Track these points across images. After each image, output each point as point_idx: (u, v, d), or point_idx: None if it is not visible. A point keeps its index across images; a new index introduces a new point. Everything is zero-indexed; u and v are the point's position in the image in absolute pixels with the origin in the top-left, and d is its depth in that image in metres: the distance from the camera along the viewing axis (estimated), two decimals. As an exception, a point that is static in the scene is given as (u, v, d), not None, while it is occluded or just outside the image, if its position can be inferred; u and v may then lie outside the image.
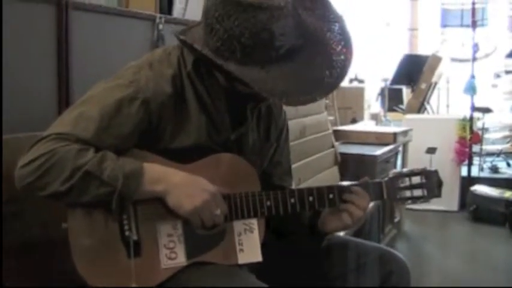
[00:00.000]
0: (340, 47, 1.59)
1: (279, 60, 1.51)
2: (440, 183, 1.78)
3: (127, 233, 1.56)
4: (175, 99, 1.62)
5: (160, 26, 2.81)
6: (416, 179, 1.76)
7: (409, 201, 1.79)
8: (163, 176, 1.55)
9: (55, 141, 1.49)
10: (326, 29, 1.61)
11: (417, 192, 1.76)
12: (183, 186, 1.56)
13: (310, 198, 1.69)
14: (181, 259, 1.59)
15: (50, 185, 1.47)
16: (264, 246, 1.66)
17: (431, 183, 1.77)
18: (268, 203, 1.66)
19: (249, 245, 1.64)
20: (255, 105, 1.76)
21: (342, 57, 1.58)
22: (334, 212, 1.74)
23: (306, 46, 1.55)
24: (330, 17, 1.63)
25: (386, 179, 1.76)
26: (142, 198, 1.55)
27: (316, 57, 1.56)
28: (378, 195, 1.76)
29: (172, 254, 1.59)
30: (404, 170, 1.79)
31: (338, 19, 1.63)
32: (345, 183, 1.76)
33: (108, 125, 1.54)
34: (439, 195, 1.78)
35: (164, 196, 1.55)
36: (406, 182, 1.76)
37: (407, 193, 1.76)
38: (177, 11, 3.09)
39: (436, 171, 1.79)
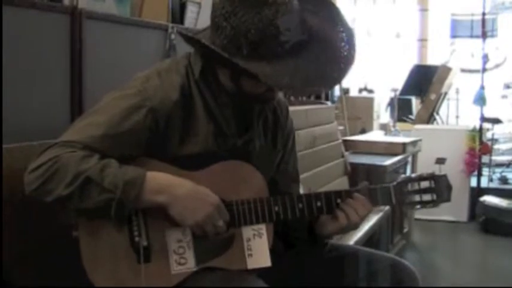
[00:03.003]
0: (343, 43, 1.62)
1: (284, 54, 1.54)
2: (449, 188, 1.76)
3: (137, 239, 1.57)
4: (183, 107, 1.64)
5: (173, 36, 2.84)
6: (425, 184, 1.75)
7: (418, 206, 1.78)
8: (165, 187, 1.55)
9: (61, 148, 1.52)
10: (330, 28, 1.64)
11: (426, 197, 1.75)
12: (185, 199, 1.56)
13: (318, 204, 1.70)
14: (190, 264, 1.60)
15: (54, 190, 1.49)
16: (274, 253, 1.67)
17: (441, 187, 1.75)
18: (277, 208, 1.67)
19: (258, 250, 1.65)
20: (261, 110, 1.78)
21: (345, 53, 1.61)
22: (333, 214, 1.74)
23: (310, 42, 1.58)
24: (333, 18, 1.66)
25: (394, 183, 1.75)
26: (144, 207, 1.56)
27: (321, 53, 1.59)
28: (386, 200, 1.75)
29: (181, 259, 1.60)
30: (413, 175, 1.79)
31: (340, 18, 1.67)
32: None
33: (115, 132, 1.56)
34: (448, 199, 1.76)
35: (166, 208, 1.56)
36: (415, 186, 1.75)
37: (416, 197, 1.75)
38: (189, 20, 3.11)
39: (445, 176, 1.77)
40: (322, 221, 1.78)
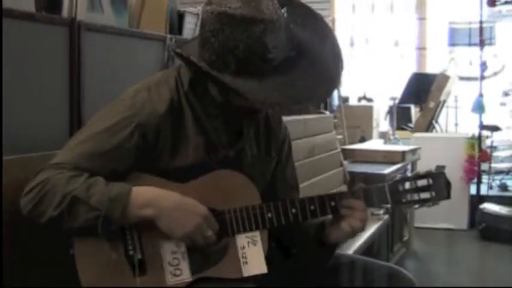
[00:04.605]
0: (330, 60, 1.63)
1: (272, 71, 1.55)
2: (448, 184, 1.72)
3: (131, 253, 1.59)
4: (173, 120, 1.65)
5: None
6: (422, 182, 1.72)
7: (417, 205, 1.74)
8: (151, 201, 1.56)
9: (51, 170, 1.55)
10: (317, 43, 1.65)
11: (424, 195, 1.71)
12: (172, 211, 1.57)
13: (312, 207, 1.69)
14: (186, 275, 1.61)
15: (46, 212, 1.52)
16: (271, 263, 1.67)
17: (439, 184, 1.72)
18: (270, 214, 1.67)
19: (253, 257, 1.65)
20: (250, 120, 1.78)
21: (333, 70, 1.62)
22: (335, 223, 1.74)
23: (298, 58, 1.59)
24: (321, 32, 1.68)
25: (389, 182, 1.72)
26: (133, 222, 1.57)
27: (308, 69, 1.60)
28: (381, 200, 1.72)
29: (176, 270, 1.61)
30: (409, 174, 1.76)
31: (329, 33, 1.69)
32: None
33: (103, 150, 1.58)
34: (448, 196, 1.72)
35: (154, 221, 1.56)
36: (412, 184, 1.71)
37: (414, 196, 1.71)
38: (187, 31, 3.12)
39: (443, 173, 1.74)
40: (326, 231, 1.78)
